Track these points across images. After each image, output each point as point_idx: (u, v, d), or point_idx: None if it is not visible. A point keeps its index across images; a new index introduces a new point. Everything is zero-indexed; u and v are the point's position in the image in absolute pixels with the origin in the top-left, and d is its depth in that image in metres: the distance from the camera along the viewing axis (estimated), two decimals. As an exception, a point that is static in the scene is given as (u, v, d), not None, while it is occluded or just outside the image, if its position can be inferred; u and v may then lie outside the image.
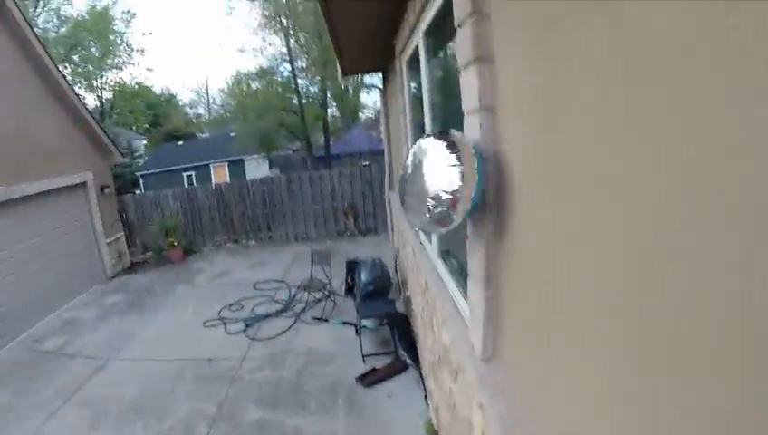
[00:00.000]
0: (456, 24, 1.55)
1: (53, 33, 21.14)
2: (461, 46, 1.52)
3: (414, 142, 3.39)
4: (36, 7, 20.03)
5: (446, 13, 2.06)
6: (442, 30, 2.32)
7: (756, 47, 0.48)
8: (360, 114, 22.79)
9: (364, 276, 4.28)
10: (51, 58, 8.65)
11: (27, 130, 7.77)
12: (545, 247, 1.11)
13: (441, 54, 2.55)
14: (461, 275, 2.11)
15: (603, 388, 0.88)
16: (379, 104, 19.77)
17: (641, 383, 0.74)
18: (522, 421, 1.31)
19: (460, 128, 1.58)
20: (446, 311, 2.15)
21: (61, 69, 8.92)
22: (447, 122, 2.32)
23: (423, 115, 2.93)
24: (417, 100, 3.59)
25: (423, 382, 3.65)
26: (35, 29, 8.25)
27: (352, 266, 5.21)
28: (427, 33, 2.74)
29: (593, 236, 0.86)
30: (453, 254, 2.49)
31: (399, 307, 4.56)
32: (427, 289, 2.86)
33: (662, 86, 0.63)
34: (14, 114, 7.52)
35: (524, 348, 1.34)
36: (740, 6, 0.49)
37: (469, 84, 1.48)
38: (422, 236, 3.47)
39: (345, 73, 6.83)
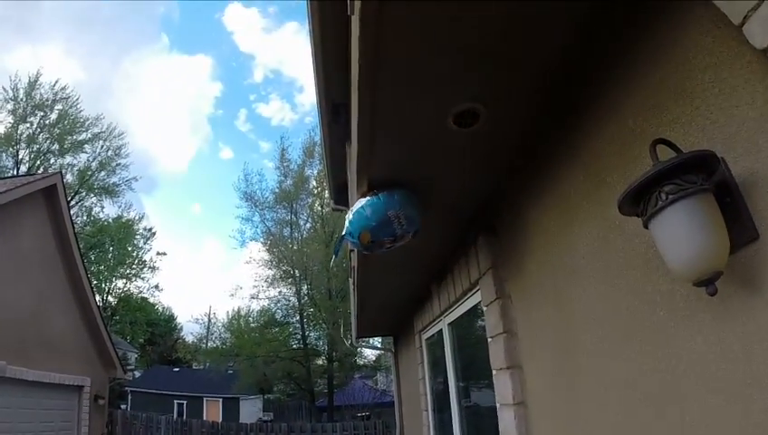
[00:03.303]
0: (483, 305, 2.47)
1: (78, 229, 20.59)
2: (489, 325, 2.37)
3: (434, 407, 4.20)
4: (71, 200, 19.24)
5: (471, 312, 3.05)
6: (464, 319, 3.28)
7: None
8: (358, 361, 23.51)
9: None
10: (80, 253, 9.22)
11: (42, 318, 7.90)
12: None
13: (464, 335, 3.47)
14: None
15: None
16: (375, 356, 20.10)
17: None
18: None
19: (481, 385, 2.66)
20: None
21: (83, 267, 9.30)
22: (469, 383, 3.33)
23: (447, 382, 3.68)
24: (438, 370, 4.12)
25: None
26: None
27: None
28: (452, 324, 3.54)
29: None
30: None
31: None
32: None
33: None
34: (34, 298, 7.72)
35: None
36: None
37: (496, 349, 2.31)
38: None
39: (358, 337, 7.56)
